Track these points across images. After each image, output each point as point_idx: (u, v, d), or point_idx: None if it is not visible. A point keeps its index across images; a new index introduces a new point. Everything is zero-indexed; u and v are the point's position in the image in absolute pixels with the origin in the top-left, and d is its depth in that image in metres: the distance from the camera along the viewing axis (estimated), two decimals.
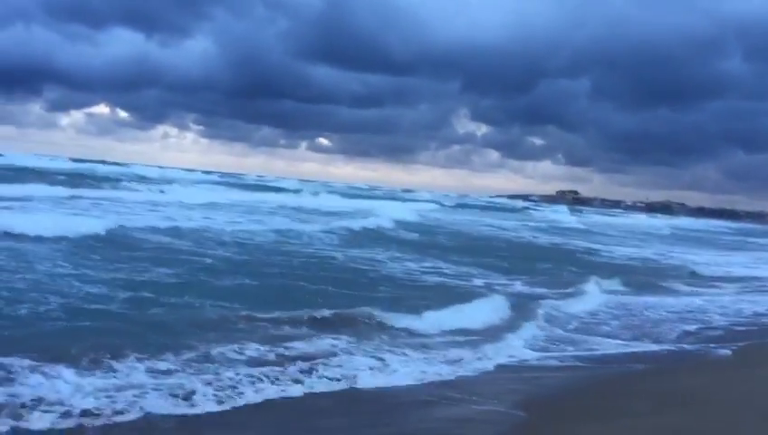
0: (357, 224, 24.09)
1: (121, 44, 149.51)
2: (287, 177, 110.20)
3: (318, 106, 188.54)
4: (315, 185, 78.40)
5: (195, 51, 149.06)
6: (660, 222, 64.09)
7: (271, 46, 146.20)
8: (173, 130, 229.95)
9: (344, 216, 28.89)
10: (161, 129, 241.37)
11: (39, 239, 13.75)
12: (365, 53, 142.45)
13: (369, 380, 7.13)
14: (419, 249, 20.28)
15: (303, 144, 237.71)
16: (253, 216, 25.85)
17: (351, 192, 68.43)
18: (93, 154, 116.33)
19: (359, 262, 16.06)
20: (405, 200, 60.05)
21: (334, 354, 7.90)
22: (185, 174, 63.78)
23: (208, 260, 14.03)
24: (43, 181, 31.40)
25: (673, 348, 9.85)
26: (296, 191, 52.77)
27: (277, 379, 6.84)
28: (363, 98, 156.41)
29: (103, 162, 72.98)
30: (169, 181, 48.09)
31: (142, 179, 47.45)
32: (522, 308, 11.60)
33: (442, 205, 59.61)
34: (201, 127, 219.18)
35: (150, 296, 9.95)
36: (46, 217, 17.21)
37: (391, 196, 70.69)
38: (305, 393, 6.59)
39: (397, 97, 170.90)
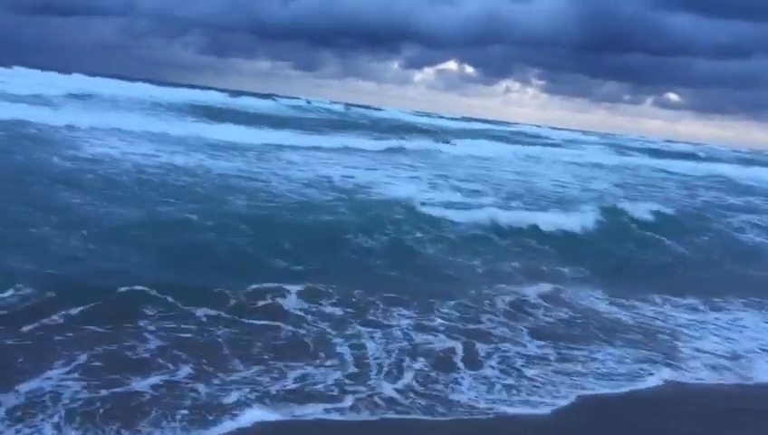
0: None
1: (475, 2, 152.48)
2: (629, 134, 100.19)
3: (671, 59, 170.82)
4: (707, 148, 68.78)
5: (544, 4, 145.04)
6: None
7: None
8: (515, 85, 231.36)
9: None
10: (504, 84, 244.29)
11: None
12: None
13: None
14: None
15: (649, 100, 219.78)
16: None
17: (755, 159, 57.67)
18: (438, 109, 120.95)
19: None
20: None
21: None
22: (567, 134, 60.12)
23: None
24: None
25: None
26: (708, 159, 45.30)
27: None
28: (726, 48, 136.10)
29: (474, 119, 73.59)
30: (571, 142, 45.69)
31: (536, 140, 45.48)
32: None
33: None
34: (543, 82, 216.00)
35: None
36: None
37: None
38: None
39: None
